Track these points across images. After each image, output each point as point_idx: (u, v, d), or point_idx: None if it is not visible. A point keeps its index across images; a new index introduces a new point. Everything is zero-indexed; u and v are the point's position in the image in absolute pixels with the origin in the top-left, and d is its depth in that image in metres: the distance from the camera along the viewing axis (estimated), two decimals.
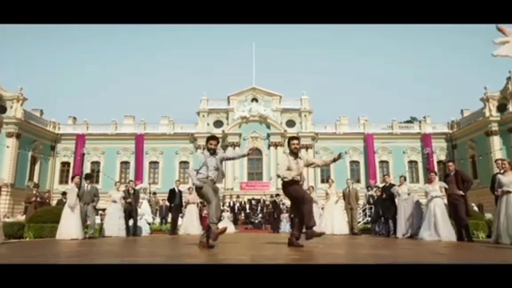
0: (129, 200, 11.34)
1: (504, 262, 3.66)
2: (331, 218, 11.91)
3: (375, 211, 12.57)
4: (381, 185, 13.51)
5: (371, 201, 14.97)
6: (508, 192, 6.84)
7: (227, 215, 16.15)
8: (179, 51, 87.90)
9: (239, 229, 16.96)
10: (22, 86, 32.24)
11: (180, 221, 13.09)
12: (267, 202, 20.76)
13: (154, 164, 36.03)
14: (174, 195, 12.94)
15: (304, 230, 5.58)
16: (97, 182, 31.19)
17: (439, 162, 33.71)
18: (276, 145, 34.27)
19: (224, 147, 32.23)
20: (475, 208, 14.20)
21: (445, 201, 8.65)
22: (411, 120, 44.99)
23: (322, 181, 30.87)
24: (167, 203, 14.55)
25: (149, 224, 13.88)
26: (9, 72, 79.29)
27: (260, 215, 20.61)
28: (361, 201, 16.69)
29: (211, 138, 5.69)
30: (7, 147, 29.81)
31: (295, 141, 5.73)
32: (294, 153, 5.64)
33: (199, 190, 5.43)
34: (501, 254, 4.84)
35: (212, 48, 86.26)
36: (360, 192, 14.48)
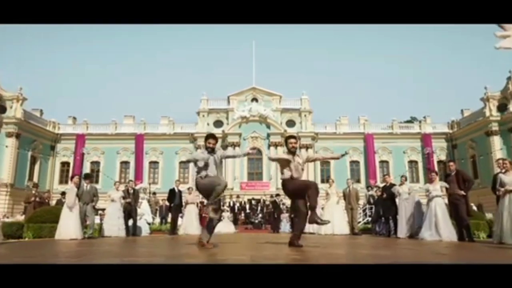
0: (128, 200, 11.33)
1: (506, 262, 3.64)
2: (331, 218, 11.87)
3: (376, 211, 12.56)
4: (381, 185, 13.50)
5: (372, 201, 14.96)
6: (511, 191, 6.83)
7: (227, 215, 16.13)
8: (179, 51, 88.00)
9: (239, 229, 16.94)
10: (22, 86, 32.25)
11: (179, 221, 13.10)
12: (267, 202, 20.73)
13: (154, 164, 36.02)
14: (173, 195, 12.94)
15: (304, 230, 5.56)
16: (97, 182, 31.20)
17: (439, 162, 33.73)
18: (276, 145, 34.23)
19: (224, 147, 32.21)
20: (474, 208, 14.18)
21: (446, 201, 8.64)
22: (411, 120, 44.95)
23: (322, 181, 30.82)
24: (167, 203, 14.54)
25: (148, 224, 13.88)
26: (9, 72, 79.36)
27: (260, 215, 20.58)
28: (362, 201, 16.67)
29: (210, 136, 5.60)
30: (7, 147, 29.78)
31: (292, 140, 5.71)
32: (292, 152, 5.62)
33: (199, 182, 5.35)
34: (503, 254, 4.83)
35: (212, 48, 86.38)
36: (360, 192, 14.47)
